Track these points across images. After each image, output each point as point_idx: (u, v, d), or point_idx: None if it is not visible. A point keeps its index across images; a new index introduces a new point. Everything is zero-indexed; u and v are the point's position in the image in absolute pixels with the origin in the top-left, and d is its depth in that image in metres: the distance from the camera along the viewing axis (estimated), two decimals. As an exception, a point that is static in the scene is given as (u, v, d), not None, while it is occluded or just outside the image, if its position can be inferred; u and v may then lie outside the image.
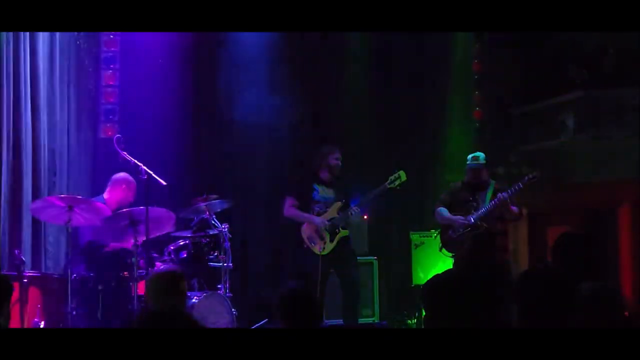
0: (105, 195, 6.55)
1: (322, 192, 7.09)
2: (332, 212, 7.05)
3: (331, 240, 6.97)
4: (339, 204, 7.07)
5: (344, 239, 7.05)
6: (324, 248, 6.94)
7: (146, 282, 3.94)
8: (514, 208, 6.76)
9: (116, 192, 6.55)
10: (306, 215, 7.01)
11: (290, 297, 3.38)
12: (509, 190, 6.62)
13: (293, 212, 7.08)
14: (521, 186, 6.60)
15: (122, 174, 6.70)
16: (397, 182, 7.08)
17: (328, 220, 6.98)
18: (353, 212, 7.01)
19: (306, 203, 7.06)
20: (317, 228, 6.96)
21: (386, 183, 7.10)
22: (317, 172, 7.10)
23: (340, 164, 7.07)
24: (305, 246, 7.02)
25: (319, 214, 7.03)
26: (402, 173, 7.10)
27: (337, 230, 6.98)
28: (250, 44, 8.31)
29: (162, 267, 4.39)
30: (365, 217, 8.18)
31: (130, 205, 6.42)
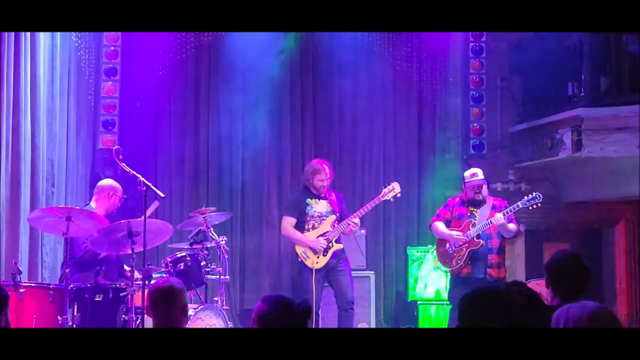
0: (93, 204, 6.53)
1: (315, 205, 7.11)
2: (326, 226, 7.07)
3: (324, 255, 7.00)
4: (332, 217, 7.10)
5: (338, 252, 7.06)
6: (316, 262, 6.97)
7: (147, 294, 3.90)
8: (514, 225, 6.78)
9: (103, 200, 6.53)
10: (301, 236, 7.05)
11: (267, 307, 3.35)
12: (506, 211, 6.65)
13: (289, 232, 7.13)
14: (520, 207, 6.63)
15: (106, 181, 6.71)
16: (390, 195, 7.09)
17: (322, 235, 6.99)
18: (354, 226, 7.03)
19: (301, 219, 7.09)
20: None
21: (380, 195, 7.13)
22: (308, 187, 7.14)
23: (325, 184, 7.10)
24: (299, 260, 7.07)
25: (313, 227, 7.05)
26: (395, 185, 7.12)
27: (330, 244, 7.01)
28: (252, 52, 8.34)
29: (161, 279, 4.34)
30: (363, 231, 8.19)
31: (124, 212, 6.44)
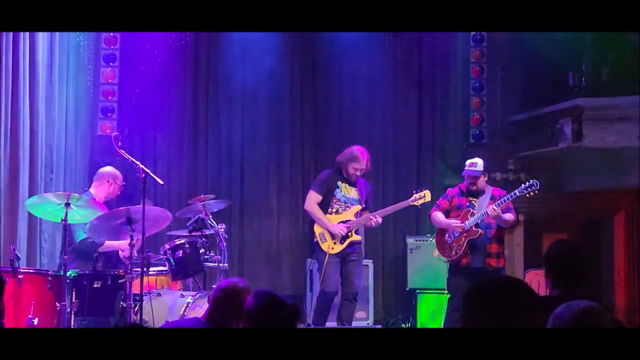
0: (92, 190, 6.53)
1: (345, 190, 7.03)
2: (349, 214, 6.99)
3: (341, 242, 6.93)
4: (358, 207, 7.03)
5: (355, 243, 7.01)
6: (332, 248, 6.92)
7: (214, 294, 3.97)
8: (510, 215, 6.76)
9: (102, 187, 6.53)
10: (324, 217, 6.94)
11: (256, 302, 3.33)
12: (500, 201, 6.64)
13: (313, 209, 7.02)
14: (517, 194, 6.62)
15: (108, 168, 6.70)
16: (420, 201, 7.03)
17: (344, 222, 6.93)
18: (375, 223, 6.99)
19: (327, 200, 7.01)
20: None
21: (409, 199, 7.05)
22: (342, 171, 7.06)
23: (358, 174, 6.99)
24: (315, 240, 7.00)
25: (337, 212, 6.98)
26: (427, 192, 7.03)
27: (349, 233, 6.94)
28: (252, 40, 8.32)
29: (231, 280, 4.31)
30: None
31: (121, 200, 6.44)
